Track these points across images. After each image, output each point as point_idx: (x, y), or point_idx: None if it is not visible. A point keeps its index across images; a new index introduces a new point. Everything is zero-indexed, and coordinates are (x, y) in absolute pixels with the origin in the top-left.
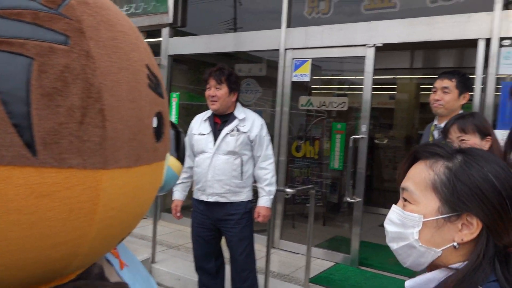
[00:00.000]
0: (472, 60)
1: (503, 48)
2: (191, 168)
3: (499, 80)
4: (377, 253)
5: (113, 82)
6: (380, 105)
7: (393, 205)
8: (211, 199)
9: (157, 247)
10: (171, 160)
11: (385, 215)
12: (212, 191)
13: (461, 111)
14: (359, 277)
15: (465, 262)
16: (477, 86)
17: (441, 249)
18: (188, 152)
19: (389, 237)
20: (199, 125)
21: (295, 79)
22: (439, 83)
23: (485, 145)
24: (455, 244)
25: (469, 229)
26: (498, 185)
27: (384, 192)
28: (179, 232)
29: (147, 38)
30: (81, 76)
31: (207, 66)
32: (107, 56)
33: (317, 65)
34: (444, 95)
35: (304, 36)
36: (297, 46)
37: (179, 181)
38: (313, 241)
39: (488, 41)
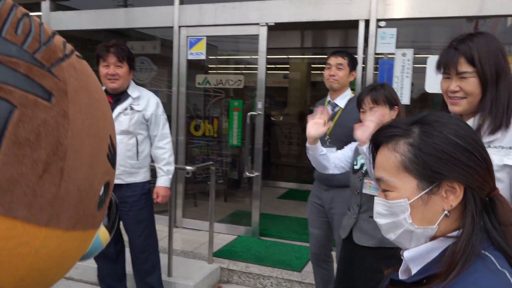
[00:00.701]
0: (355, 40)
1: (379, 29)
2: None
3: (377, 59)
4: (276, 223)
5: (79, 146)
6: (275, 84)
7: (376, 197)
8: None
9: None
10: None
11: (283, 188)
12: None
13: (349, 88)
14: (260, 246)
15: (462, 228)
16: (359, 64)
17: (436, 224)
18: None
19: (384, 230)
20: None
21: (190, 57)
22: (333, 60)
23: (393, 114)
24: (446, 212)
25: (453, 194)
26: (462, 143)
27: (281, 167)
28: None
29: None
30: (54, 133)
31: (95, 44)
32: (81, 120)
33: (214, 44)
34: (338, 71)
35: (198, 14)
36: (191, 23)
37: None
38: (215, 217)
39: (367, 22)
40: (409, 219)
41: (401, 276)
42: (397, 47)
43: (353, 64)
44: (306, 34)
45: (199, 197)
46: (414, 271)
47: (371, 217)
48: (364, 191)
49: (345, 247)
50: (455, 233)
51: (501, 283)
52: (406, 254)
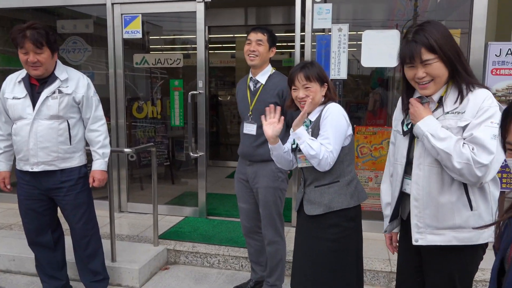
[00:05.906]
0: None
1: (315, 4)
2: (10, 135)
3: (315, 35)
4: (224, 202)
5: None
6: (223, 64)
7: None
8: (36, 168)
9: None
10: None
11: (232, 167)
12: (37, 160)
13: (269, 64)
14: (207, 225)
15: None
16: (297, 40)
17: None
18: (3, 118)
19: None
20: (13, 87)
21: (126, 36)
22: (253, 36)
23: (323, 90)
24: None
25: None
26: None
27: (230, 146)
28: (11, 211)
29: None
30: None
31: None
32: None
33: (152, 23)
34: (258, 47)
35: None
36: (125, 0)
37: (0, 151)
38: (162, 199)
39: None
40: None
41: None
42: (333, 22)
43: (272, 41)
44: (250, 12)
45: (145, 180)
46: None
47: (316, 186)
48: (300, 165)
49: (298, 220)
50: None
51: None
52: None
